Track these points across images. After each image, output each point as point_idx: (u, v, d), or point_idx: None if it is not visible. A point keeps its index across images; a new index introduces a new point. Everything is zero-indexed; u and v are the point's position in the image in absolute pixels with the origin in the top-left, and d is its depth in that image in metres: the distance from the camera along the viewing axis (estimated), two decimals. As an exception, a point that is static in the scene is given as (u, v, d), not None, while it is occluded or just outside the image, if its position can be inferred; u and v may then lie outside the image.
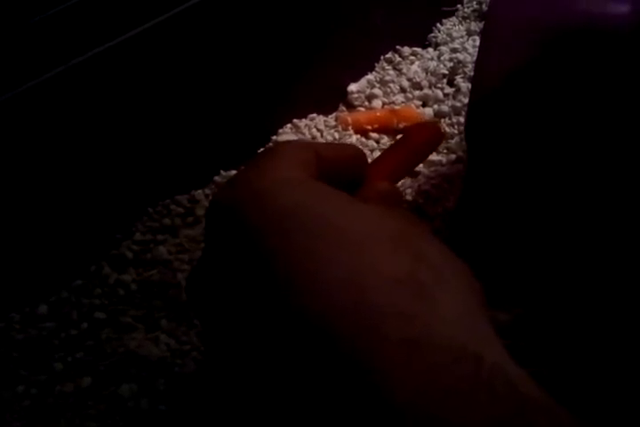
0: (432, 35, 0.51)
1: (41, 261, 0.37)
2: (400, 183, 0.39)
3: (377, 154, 0.43)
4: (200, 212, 0.40)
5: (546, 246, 0.32)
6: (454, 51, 0.48)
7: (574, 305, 0.31)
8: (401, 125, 0.44)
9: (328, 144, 0.32)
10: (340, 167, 0.26)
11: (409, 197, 0.40)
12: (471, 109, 0.34)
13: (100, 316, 0.36)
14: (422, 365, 0.18)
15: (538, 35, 0.29)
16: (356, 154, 0.28)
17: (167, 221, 0.40)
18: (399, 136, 0.40)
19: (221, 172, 0.43)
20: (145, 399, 0.32)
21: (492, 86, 0.31)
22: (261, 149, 0.44)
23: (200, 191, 0.42)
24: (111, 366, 0.34)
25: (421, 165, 0.41)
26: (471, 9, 0.52)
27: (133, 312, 0.36)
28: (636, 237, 0.29)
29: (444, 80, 0.47)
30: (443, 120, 0.45)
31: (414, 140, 0.32)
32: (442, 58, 0.48)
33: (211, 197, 0.41)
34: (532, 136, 0.31)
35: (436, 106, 0.45)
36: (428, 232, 0.25)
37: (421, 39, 0.51)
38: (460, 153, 0.43)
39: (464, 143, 0.42)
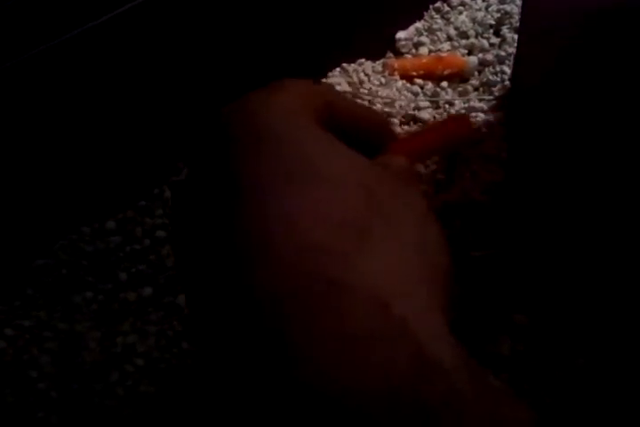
0: (481, -14, 0.52)
1: (111, 184, 0.40)
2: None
3: (420, 99, 0.45)
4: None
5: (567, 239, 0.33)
6: (502, 2, 0.49)
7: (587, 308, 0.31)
8: (446, 72, 0.46)
9: (353, 102, 0.31)
10: (356, 127, 0.26)
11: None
12: (514, 80, 0.32)
13: (161, 234, 0.39)
14: (328, 304, 0.18)
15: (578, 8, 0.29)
16: (381, 122, 0.28)
17: (223, 152, 0.43)
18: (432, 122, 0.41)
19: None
20: (200, 308, 0.36)
21: (533, 52, 0.31)
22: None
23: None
24: (170, 279, 0.37)
25: (463, 110, 0.43)
26: (521, -38, 0.53)
27: (191, 232, 0.39)
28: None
29: (491, 30, 0.48)
30: (487, 69, 0.46)
31: (445, 128, 0.32)
32: (489, 9, 0.49)
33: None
34: (568, 121, 0.31)
35: (480, 55, 0.47)
36: (414, 194, 0.25)
37: (470, -10, 0.52)
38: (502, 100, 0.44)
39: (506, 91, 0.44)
